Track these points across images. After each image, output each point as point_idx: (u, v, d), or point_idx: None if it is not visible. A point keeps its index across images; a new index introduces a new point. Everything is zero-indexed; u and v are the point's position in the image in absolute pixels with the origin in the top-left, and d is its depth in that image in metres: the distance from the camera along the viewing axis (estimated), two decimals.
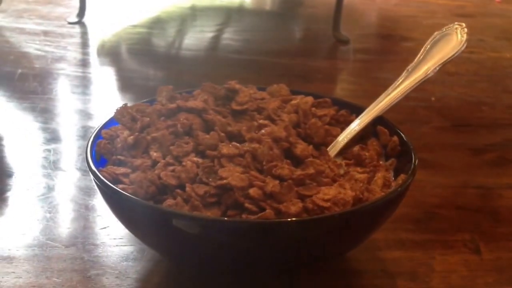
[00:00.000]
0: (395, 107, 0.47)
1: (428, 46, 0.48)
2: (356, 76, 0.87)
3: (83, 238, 0.46)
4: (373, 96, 0.48)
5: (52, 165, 0.56)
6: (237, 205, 0.37)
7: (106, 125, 0.44)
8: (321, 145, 0.44)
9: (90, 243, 0.45)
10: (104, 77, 0.81)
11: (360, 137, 0.46)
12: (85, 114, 0.68)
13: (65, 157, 0.58)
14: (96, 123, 0.58)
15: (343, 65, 0.92)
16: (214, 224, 0.35)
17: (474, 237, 0.48)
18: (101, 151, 0.42)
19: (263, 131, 0.42)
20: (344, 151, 0.45)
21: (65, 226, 0.47)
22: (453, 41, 0.47)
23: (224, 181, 0.37)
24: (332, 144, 0.45)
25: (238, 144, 0.40)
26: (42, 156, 0.58)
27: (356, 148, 0.44)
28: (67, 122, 0.66)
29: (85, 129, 0.64)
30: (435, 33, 0.49)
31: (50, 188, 0.52)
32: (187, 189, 0.37)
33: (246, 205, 0.36)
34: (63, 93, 0.74)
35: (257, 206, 0.36)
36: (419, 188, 0.53)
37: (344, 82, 0.85)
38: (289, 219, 0.35)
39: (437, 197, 0.53)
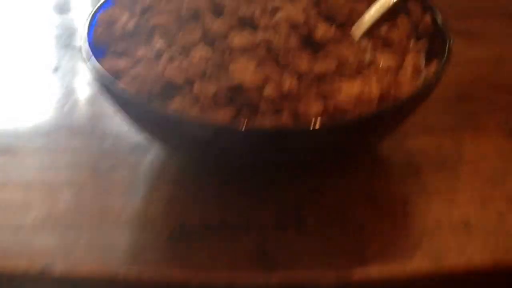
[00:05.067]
0: None
1: None
2: None
3: (91, 126, 0.43)
4: None
5: (59, 42, 0.51)
6: (251, 104, 0.33)
7: (103, 6, 0.39)
8: (345, 25, 0.39)
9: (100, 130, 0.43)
10: None
11: (389, 15, 0.41)
12: None
13: (74, 32, 0.52)
14: None
15: None
16: (223, 131, 0.32)
17: (509, 119, 0.44)
18: (99, 39, 0.38)
19: (279, 14, 0.37)
20: (370, 31, 0.40)
21: (72, 113, 0.44)
22: None
23: (236, 81, 0.33)
24: (357, 23, 0.40)
25: (250, 34, 0.36)
26: (49, 32, 0.52)
27: (383, 28, 0.40)
28: None
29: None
30: None
31: (55, 69, 0.48)
32: (195, 88, 0.34)
33: (261, 106, 0.33)
34: None
35: (273, 106, 0.33)
36: (451, 62, 0.48)
37: None
38: (306, 128, 0.32)
39: (471, 74, 0.48)
